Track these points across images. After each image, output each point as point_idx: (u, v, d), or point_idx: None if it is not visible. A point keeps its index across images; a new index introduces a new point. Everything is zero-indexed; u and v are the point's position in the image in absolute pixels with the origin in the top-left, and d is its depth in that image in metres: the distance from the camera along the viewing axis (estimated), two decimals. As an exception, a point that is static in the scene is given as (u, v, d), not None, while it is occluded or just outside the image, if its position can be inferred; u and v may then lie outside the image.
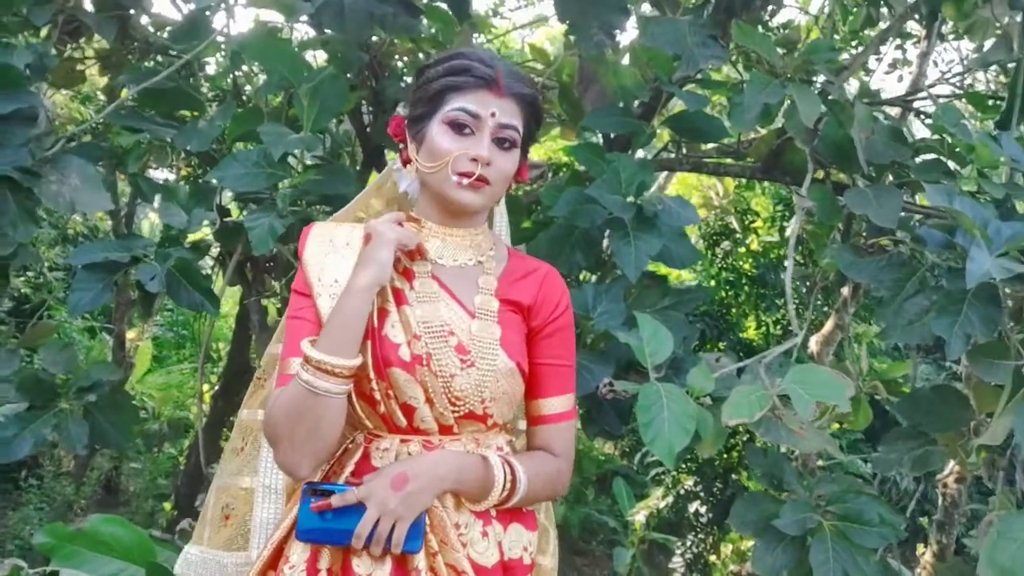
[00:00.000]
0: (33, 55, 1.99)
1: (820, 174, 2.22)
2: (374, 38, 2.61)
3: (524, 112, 1.21)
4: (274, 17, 2.70)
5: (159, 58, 2.77)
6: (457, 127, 1.18)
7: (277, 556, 1.20)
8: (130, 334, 5.20)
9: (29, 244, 2.40)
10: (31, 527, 4.20)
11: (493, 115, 1.18)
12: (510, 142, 1.20)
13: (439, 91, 1.19)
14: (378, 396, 1.19)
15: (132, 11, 2.53)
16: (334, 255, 1.24)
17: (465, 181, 1.18)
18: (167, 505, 4.55)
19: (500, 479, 1.19)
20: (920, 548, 4.12)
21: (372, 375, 1.18)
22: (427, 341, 1.19)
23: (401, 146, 1.29)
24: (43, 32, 2.42)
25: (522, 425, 1.40)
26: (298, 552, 1.17)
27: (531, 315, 1.27)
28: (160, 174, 4.12)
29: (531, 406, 1.30)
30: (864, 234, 2.20)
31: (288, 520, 1.20)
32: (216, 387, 4.16)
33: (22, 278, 5.48)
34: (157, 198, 2.42)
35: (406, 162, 1.28)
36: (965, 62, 3.19)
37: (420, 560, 1.14)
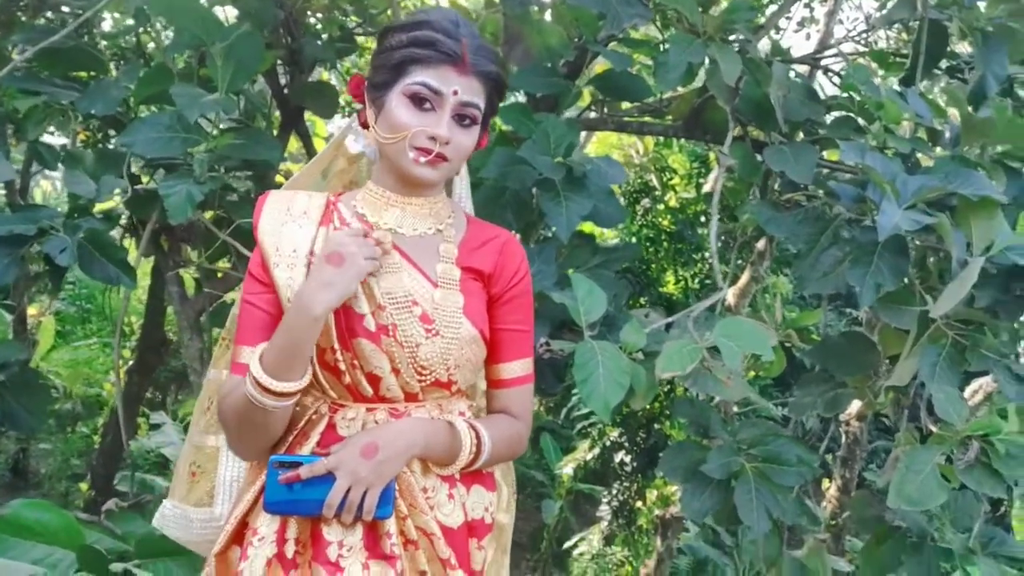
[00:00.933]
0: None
1: (739, 131, 2.29)
2: (288, -7, 2.50)
3: (487, 89, 1.20)
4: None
5: (51, 15, 2.59)
6: (417, 101, 1.16)
7: (242, 529, 1.20)
8: (31, 310, 4.90)
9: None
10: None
11: (455, 93, 1.16)
12: (470, 119, 1.19)
13: (401, 61, 1.16)
14: (343, 367, 1.19)
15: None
16: (291, 224, 1.22)
17: (423, 158, 1.17)
18: (83, 486, 4.39)
19: (467, 444, 1.22)
20: (825, 483, 4.41)
21: (337, 346, 1.18)
22: (391, 311, 1.19)
23: (360, 107, 1.26)
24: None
25: (483, 385, 1.42)
26: (265, 523, 1.17)
27: (491, 282, 1.28)
28: (55, 140, 3.86)
29: (491, 370, 1.32)
30: (778, 190, 2.29)
31: (250, 493, 1.20)
32: (130, 362, 3.99)
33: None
34: (59, 166, 2.27)
35: (364, 125, 1.26)
36: (870, 20, 3.32)
37: (391, 524, 1.16)
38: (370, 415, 1.21)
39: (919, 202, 1.72)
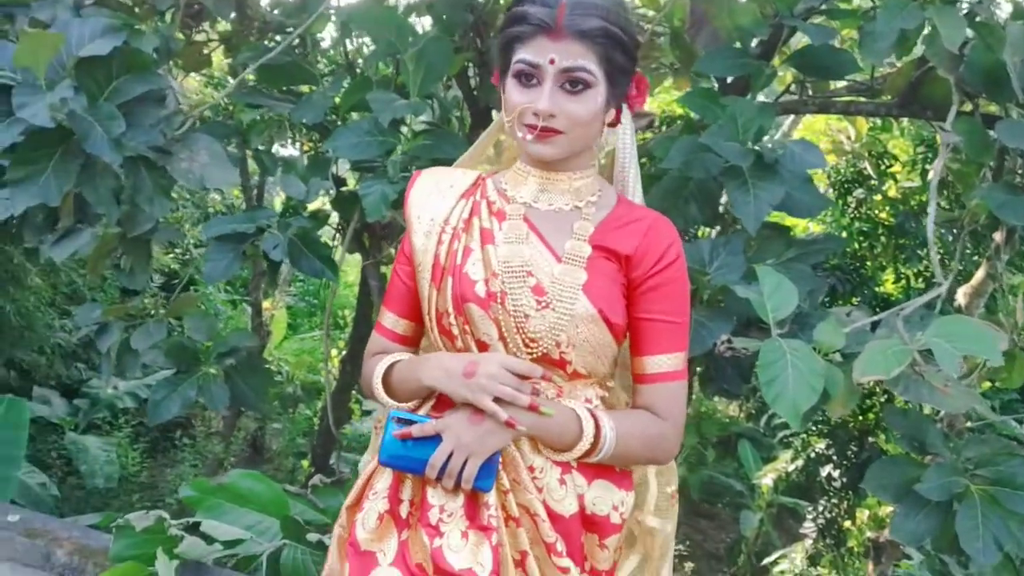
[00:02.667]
0: (159, 39, 2.10)
1: (967, 106, 2.01)
2: (478, -2, 2.58)
3: (596, 47, 1.13)
4: (381, -15, 2.71)
5: (276, 37, 2.87)
6: (524, 78, 1.16)
7: (366, 486, 1.27)
8: (265, 304, 5.52)
9: (171, 221, 2.57)
10: (187, 482, 4.59)
11: (552, 62, 1.13)
12: (582, 83, 1.14)
13: (506, 43, 1.17)
14: (456, 331, 1.22)
15: (248, -10, 2.63)
16: (436, 195, 1.27)
17: (530, 136, 1.16)
18: (305, 463, 4.85)
19: (587, 432, 1.17)
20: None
21: (451, 310, 1.21)
22: (504, 279, 1.19)
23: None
24: (167, 17, 2.55)
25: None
26: (383, 480, 1.24)
27: (631, 266, 1.22)
28: (288, 150, 4.31)
29: (635, 363, 1.25)
30: (1020, 171, 1.97)
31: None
32: (344, 352, 4.35)
33: (170, 255, 5.93)
34: (278, 171, 2.52)
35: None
36: None
37: (492, 496, 1.16)
38: None
39: None
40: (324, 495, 2.20)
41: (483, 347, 1.21)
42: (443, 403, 1.23)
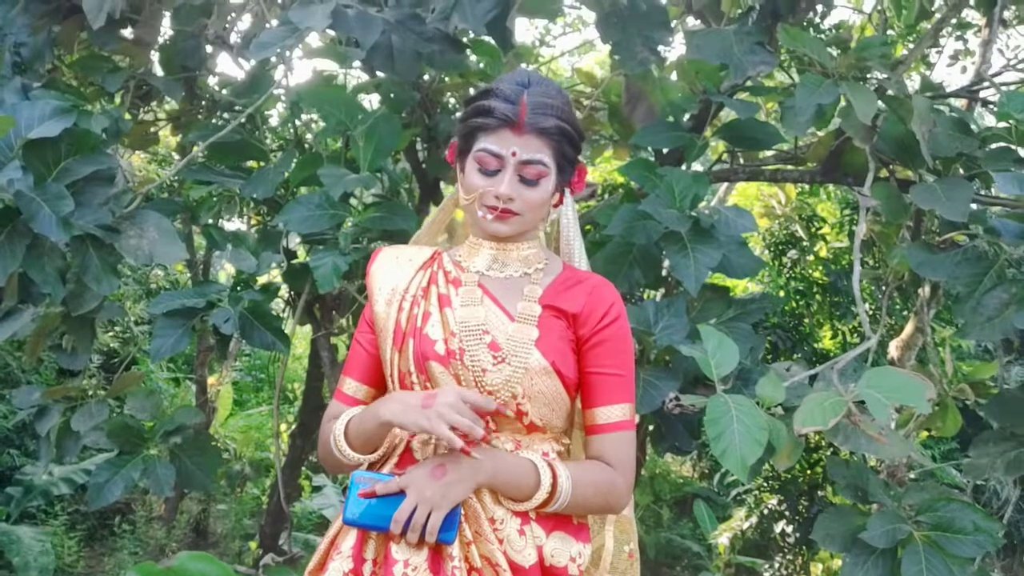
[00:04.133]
0: (108, 120, 2.13)
1: (883, 173, 2.16)
2: (424, 76, 2.68)
3: (552, 142, 1.26)
4: (329, 66, 2.81)
5: (225, 115, 2.92)
6: (485, 164, 1.26)
7: (331, 547, 1.29)
8: (211, 380, 5.40)
9: (114, 299, 2.55)
10: (125, 571, 4.36)
11: (514, 154, 1.24)
12: (537, 175, 1.26)
13: (469, 131, 1.27)
14: (418, 389, 1.28)
15: (198, 72, 2.68)
16: (396, 268, 1.36)
17: (490, 216, 1.27)
18: (253, 544, 4.67)
19: (543, 481, 1.22)
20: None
21: (412, 369, 1.29)
22: (462, 337, 1.27)
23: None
24: (117, 98, 2.58)
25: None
26: (347, 541, 1.25)
27: (578, 323, 1.30)
28: (233, 225, 4.31)
29: (586, 416, 1.32)
30: (936, 231, 2.12)
31: (341, 516, 1.26)
32: (293, 426, 4.26)
33: (110, 333, 5.78)
34: (228, 246, 2.52)
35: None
36: (1031, 46, 3.05)
37: (455, 549, 1.19)
38: (442, 440, 1.24)
39: (1097, 233, 1.53)
40: (277, 574, 2.13)
41: None
42: (405, 461, 1.27)
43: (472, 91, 2.98)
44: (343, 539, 1.27)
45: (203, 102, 2.98)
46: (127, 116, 2.46)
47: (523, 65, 3.39)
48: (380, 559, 1.23)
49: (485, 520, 1.22)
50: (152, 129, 3.03)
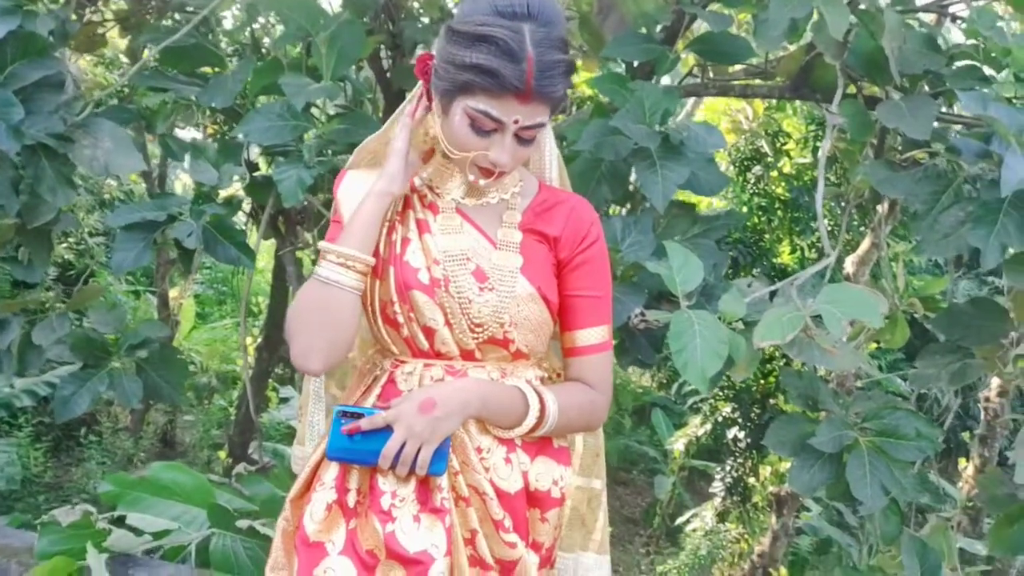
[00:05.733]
0: (55, 21, 2.01)
1: (852, 89, 2.16)
2: (387, -21, 2.57)
3: (554, 101, 1.17)
4: (286, -35, 2.66)
5: (177, 16, 2.77)
6: (480, 124, 1.16)
7: (313, 477, 1.28)
8: (172, 293, 5.34)
9: (68, 210, 2.47)
10: (94, 480, 4.42)
11: (516, 122, 1.15)
12: (534, 135, 1.19)
13: (465, 83, 1.13)
14: (401, 319, 1.25)
15: (146, -31, 2.53)
16: (364, 190, 1.27)
17: (483, 181, 1.21)
18: (222, 454, 4.75)
19: (532, 408, 1.23)
20: (963, 462, 4.13)
21: (395, 298, 1.24)
22: (445, 265, 1.23)
23: (423, 86, 1.27)
24: (61, -3, 2.43)
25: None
26: (330, 471, 1.24)
27: (558, 247, 1.29)
28: (188, 133, 4.16)
29: (565, 338, 1.32)
30: (899, 148, 2.15)
31: (323, 444, 1.26)
32: (259, 339, 4.27)
33: (64, 244, 5.64)
34: (187, 157, 2.45)
35: (429, 99, 1.26)
36: (1004, -39, 3.02)
37: (443, 479, 1.20)
38: (427, 370, 1.25)
39: (1052, 154, 1.57)
40: (249, 483, 2.19)
41: (429, 332, 1.24)
42: (389, 392, 1.26)
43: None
44: (325, 469, 1.25)
45: (152, 2, 2.82)
46: (73, 17, 2.32)
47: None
48: (364, 488, 1.22)
49: (472, 450, 1.23)
50: (99, 31, 2.87)
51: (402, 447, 1.16)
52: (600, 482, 1.45)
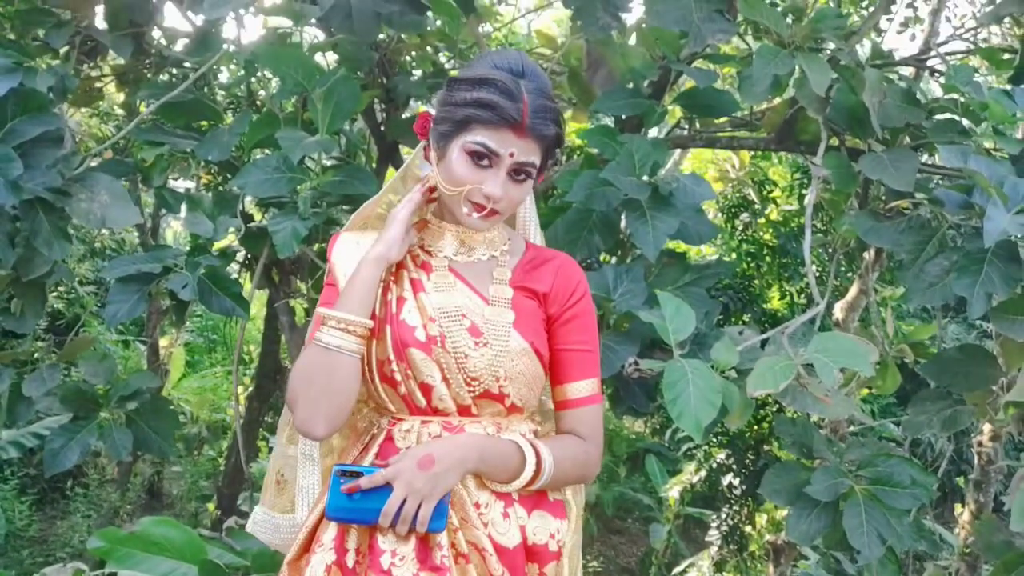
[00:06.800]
0: (54, 77, 2.05)
1: (835, 141, 2.22)
2: (382, 36, 2.64)
3: (544, 147, 1.24)
4: (283, 23, 2.73)
5: (174, 71, 2.83)
6: (476, 157, 1.21)
7: (311, 539, 1.27)
8: (163, 342, 5.31)
9: (62, 261, 2.48)
10: (80, 534, 4.33)
11: (512, 155, 1.21)
12: (525, 175, 1.24)
13: (464, 119, 1.21)
14: (398, 377, 1.26)
15: (146, 27, 2.58)
16: (359, 254, 1.30)
17: (476, 214, 1.24)
18: (210, 506, 4.67)
19: (528, 460, 1.24)
20: (959, 508, 4.11)
21: (392, 357, 1.25)
22: (441, 322, 1.26)
23: (424, 143, 1.33)
24: (62, 54, 2.47)
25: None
26: (329, 532, 1.24)
27: (548, 302, 1.32)
28: (182, 184, 4.20)
29: (556, 392, 1.34)
30: (883, 198, 2.19)
31: (321, 505, 1.25)
32: (250, 388, 4.24)
33: (55, 294, 5.62)
34: (183, 208, 2.47)
35: (428, 158, 1.32)
36: (978, 17, 3.14)
37: (442, 537, 1.20)
38: (424, 427, 1.26)
39: (1032, 205, 1.61)
40: (240, 537, 2.14)
41: (426, 389, 1.25)
42: (387, 450, 1.26)
43: (431, 51, 2.95)
44: (323, 530, 1.25)
45: (150, 58, 2.88)
46: (72, 73, 2.37)
47: (483, 25, 3.35)
48: (364, 549, 1.22)
49: (471, 505, 1.23)
50: (97, 85, 2.92)
51: (402, 505, 1.16)
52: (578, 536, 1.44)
